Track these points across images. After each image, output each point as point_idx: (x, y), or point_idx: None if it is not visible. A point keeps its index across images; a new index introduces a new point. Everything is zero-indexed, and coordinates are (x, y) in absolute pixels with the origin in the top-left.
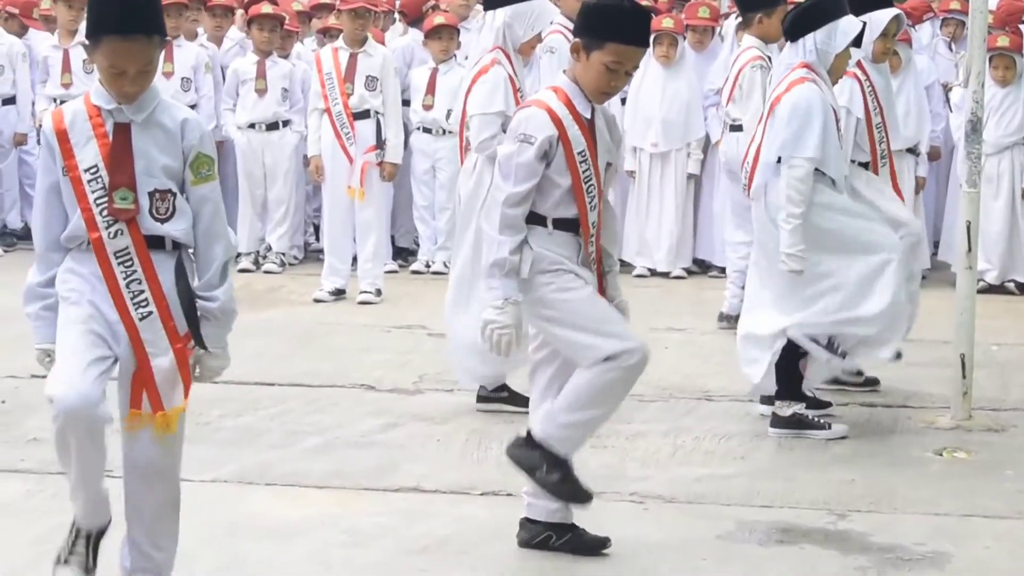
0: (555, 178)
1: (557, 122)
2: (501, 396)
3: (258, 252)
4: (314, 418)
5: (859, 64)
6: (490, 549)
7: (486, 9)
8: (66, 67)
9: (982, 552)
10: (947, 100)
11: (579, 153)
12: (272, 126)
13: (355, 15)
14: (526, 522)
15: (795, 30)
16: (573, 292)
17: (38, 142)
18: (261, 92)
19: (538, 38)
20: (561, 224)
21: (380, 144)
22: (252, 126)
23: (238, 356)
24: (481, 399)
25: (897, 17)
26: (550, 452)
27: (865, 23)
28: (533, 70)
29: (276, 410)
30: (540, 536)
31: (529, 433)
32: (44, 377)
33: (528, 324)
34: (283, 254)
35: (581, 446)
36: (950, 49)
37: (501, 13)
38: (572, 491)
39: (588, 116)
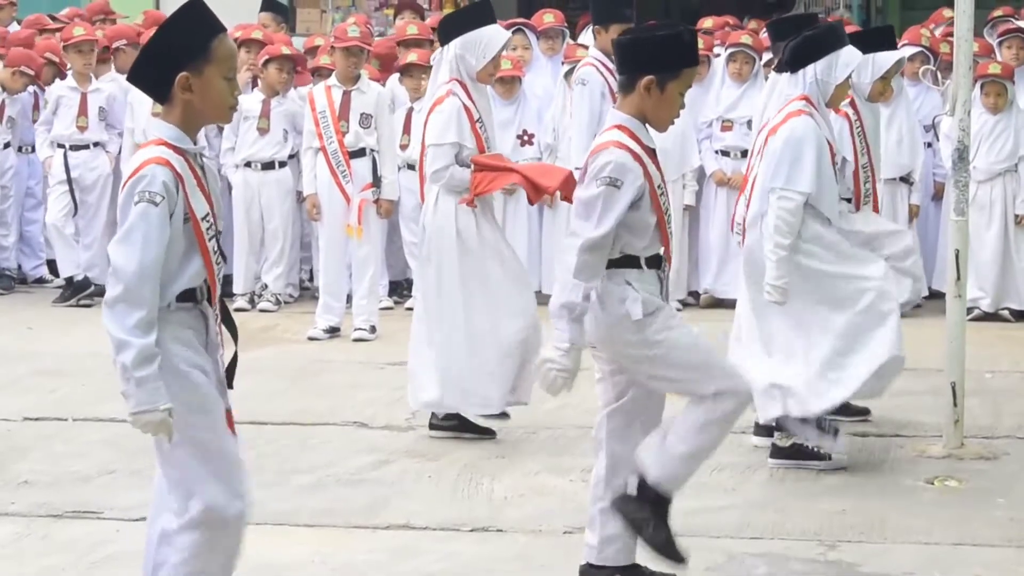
0: (647, 218)
1: (641, 163)
2: (451, 424)
3: (253, 292)
4: (306, 456)
5: (851, 102)
6: None
7: (441, 44)
8: (83, 110)
9: None
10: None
11: (658, 187)
12: (268, 165)
13: (348, 53)
14: (588, 568)
15: (795, 61)
16: (676, 330)
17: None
18: (263, 131)
19: (495, 64)
20: (650, 262)
21: (376, 182)
22: (248, 164)
23: (232, 395)
24: (433, 427)
25: (899, 61)
26: (657, 507)
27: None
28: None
29: (268, 449)
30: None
31: (639, 485)
32: (37, 420)
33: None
34: (278, 294)
35: (684, 483)
36: (936, 79)
37: (453, 45)
38: (671, 552)
39: (653, 148)
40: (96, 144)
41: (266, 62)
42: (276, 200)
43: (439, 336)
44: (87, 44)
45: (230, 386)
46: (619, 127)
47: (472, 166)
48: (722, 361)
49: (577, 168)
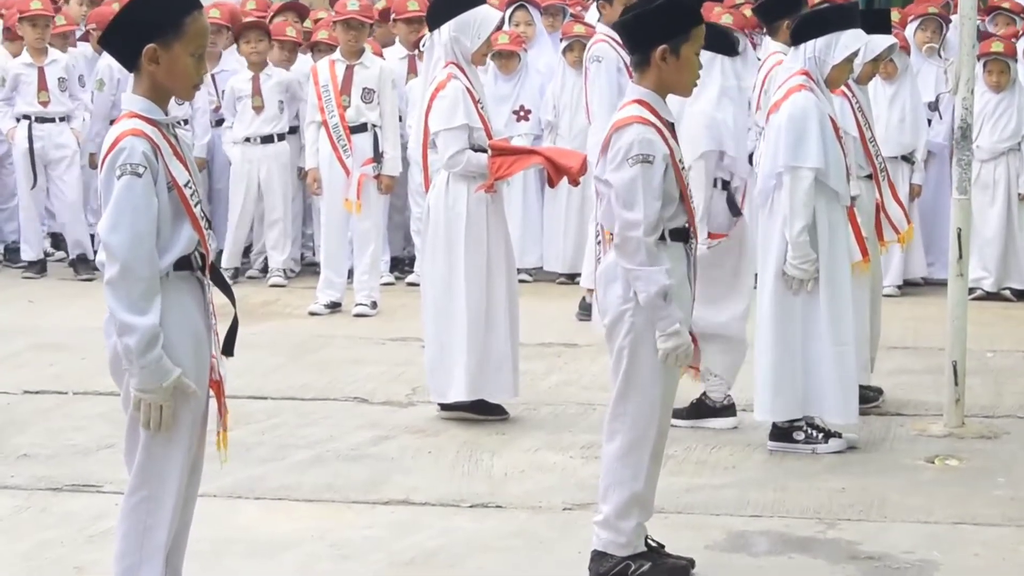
0: (671, 190)
1: (662, 136)
2: (464, 404)
3: (237, 268)
4: (306, 431)
5: (846, 82)
6: (478, 561)
7: (430, 29)
8: (42, 85)
9: (971, 560)
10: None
11: (679, 160)
12: (267, 139)
13: (348, 26)
14: (597, 555)
15: (797, 35)
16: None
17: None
18: (258, 109)
19: (488, 45)
20: (674, 234)
21: (377, 157)
22: (247, 140)
23: (231, 370)
24: (445, 407)
25: (891, 46)
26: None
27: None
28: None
29: (268, 424)
30: (618, 566)
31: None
32: (37, 393)
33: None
34: (286, 269)
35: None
36: (939, 55)
37: (446, 29)
38: (671, 568)
39: (672, 121)
40: (62, 119)
41: (236, 39)
42: (276, 173)
43: (454, 326)
44: (42, 19)
45: (231, 353)
46: (639, 101)
47: (489, 151)
48: (658, 398)
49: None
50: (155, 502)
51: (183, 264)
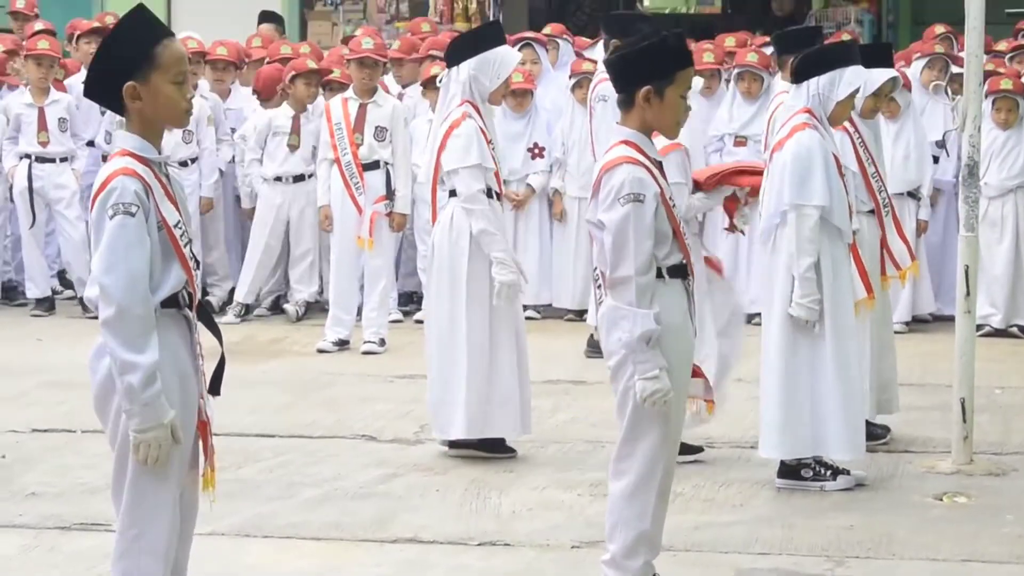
0: (663, 227)
1: (652, 174)
2: (471, 442)
3: (249, 304)
4: (313, 469)
5: (848, 118)
6: None
7: (449, 66)
8: (42, 125)
9: None
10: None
11: (669, 197)
12: (299, 178)
13: (362, 64)
14: None
15: (799, 73)
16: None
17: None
18: (293, 147)
19: (506, 85)
20: (672, 271)
21: (390, 194)
22: (279, 179)
23: (240, 408)
24: (453, 444)
25: (894, 79)
26: None
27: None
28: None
29: (275, 462)
30: None
31: None
32: (46, 431)
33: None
34: (298, 303)
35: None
36: (946, 93)
37: (465, 67)
38: None
39: (660, 161)
40: (63, 160)
41: (293, 77)
42: (309, 212)
43: (457, 362)
44: (47, 58)
45: (217, 392)
46: (625, 142)
47: (504, 193)
48: (664, 437)
49: None
50: (147, 539)
51: (170, 302)
